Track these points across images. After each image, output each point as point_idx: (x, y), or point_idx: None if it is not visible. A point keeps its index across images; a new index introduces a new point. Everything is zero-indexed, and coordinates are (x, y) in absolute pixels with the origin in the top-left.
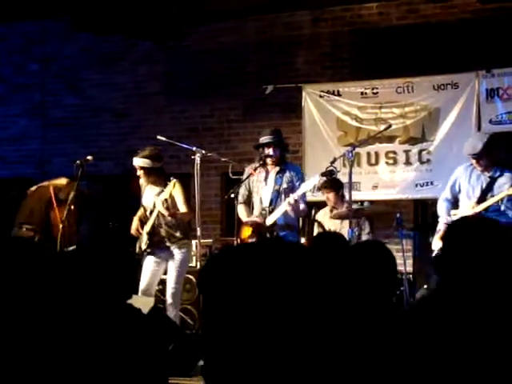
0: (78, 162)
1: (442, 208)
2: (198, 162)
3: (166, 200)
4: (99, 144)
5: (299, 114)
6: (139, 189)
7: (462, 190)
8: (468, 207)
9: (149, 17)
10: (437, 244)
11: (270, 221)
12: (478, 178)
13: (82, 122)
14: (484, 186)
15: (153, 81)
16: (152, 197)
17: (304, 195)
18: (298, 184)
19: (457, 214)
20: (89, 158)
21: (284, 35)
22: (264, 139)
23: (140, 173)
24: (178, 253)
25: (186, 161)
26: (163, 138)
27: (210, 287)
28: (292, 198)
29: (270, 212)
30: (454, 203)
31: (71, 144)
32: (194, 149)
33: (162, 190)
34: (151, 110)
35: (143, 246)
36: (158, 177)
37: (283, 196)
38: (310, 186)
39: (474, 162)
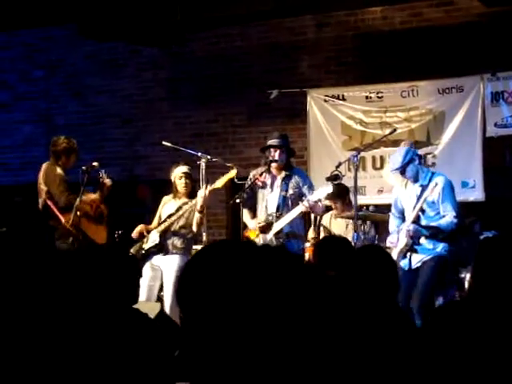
0: (83, 168)
1: (391, 224)
2: (204, 167)
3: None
4: (104, 150)
5: (304, 118)
6: (145, 196)
7: (404, 205)
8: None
9: (153, 23)
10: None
11: (277, 227)
12: (411, 189)
13: (87, 128)
14: (418, 194)
15: (157, 87)
16: (175, 206)
17: (320, 200)
18: (305, 188)
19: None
20: (94, 164)
21: (288, 40)
22: (271, 142)
23: (186, 181)
24: (176, 263)
25: (191, 166)
26: (168, 144)
27: (191, 286)
28: (301, 206)
29: (278, 218)
30: (403, 218)
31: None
32: (200, 154)
33: (187, 202)
34: (156, 116)
35: (147, 246)
36: (192, 191)
37: (290, 202)
38: (323, 195)
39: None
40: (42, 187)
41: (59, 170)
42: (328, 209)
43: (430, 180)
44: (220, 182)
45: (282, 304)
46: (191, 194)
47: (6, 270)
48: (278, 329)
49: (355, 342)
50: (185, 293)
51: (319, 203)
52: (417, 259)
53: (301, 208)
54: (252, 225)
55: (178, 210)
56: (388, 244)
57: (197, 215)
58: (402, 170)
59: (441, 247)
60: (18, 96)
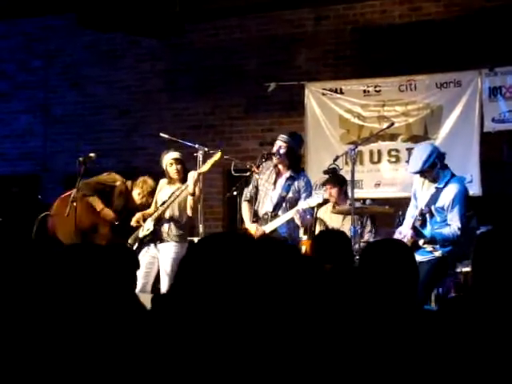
0: (80, 158)
1: (408, 212)
2: (201, 159)
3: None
4: (102, 141)
5: (301, 111)
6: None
7: (418, 198)
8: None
9: (152, 14)
10: None
11: (269, 228)
12: (428, 188)
13: (85, 119)
14: (432, 194)
15: (155, 78)
16: (169, 192)
17: (311, 208)
18: (303, 196)
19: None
20: (91, 155)
21: (286, 33)
22: (279, 136)
23: (177, 167)
24: (172, 251)
25: (189, 158)
26: (166, 136)
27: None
28: (294, 211)
29: (272, 218)
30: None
31: (74, 141)
32: (197, 146)
33: (180, 187)
34: (154, 107)
35: (142, 234)
36: (185, 175)
37: (287, 205)
38: (313, 204)
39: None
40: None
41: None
42: (324, 202)
43: (446, 184)
44: (206, 166)
45: (282, 295)
46: (185, 179)
47: (1, 260)
48: (280, 320)
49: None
50: (183, 285)
51: (308, 216)
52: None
53: (291, 214)
54: (249, 226)
55: (170, 196)
56: (396, 235)
57: (189, 199)
58: (422, 173)
59: (440, 252)
60: (16, 86)
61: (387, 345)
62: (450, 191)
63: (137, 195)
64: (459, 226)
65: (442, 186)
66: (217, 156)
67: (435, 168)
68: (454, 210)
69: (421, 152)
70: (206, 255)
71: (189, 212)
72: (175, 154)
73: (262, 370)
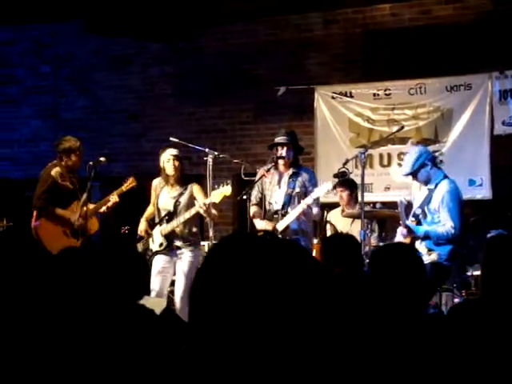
0: (90, 163)
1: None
2: (211, 163)
3: (208, 205)
4: (111, 145)
5: (311, 115)
6: (150, 190)
7: (414, 202)
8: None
9: (160, 19)
10: None
11: (281, 225)
12: (422, 190)
13: (94, 123)
14: (425, 197)
15: (164, 82)
16: (171, 199)
17: (318, 199)
18: (310, 189)
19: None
20: (101, 159)
21: (296, 37)
22: (278, 139)
23: (175, 164)
24: (188, 256)
25: (198, 162)
26: (175, 140)
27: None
28: (303, 204)
29: (283, 216)
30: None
31: (83, 146)
32: (207, 150)
33: (182, 193)
34: (162, 112)
35: (155, 247)
36: (181, 175)
37: (296, 200)
38: (322, 192)
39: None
40: None
41: (55, 172)
42: (334, 206)
43: (436, 185)
44: (217, 198)
45: (294, 298)
46: (182, 178)
47: (14, 264)
48: (295, 324)
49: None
50: (202, 288)
51: (315, 209)
52: None
53: (297, 212)
54: (259, 225)
55: (175, 207)
56: (398, 236)
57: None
58: (414, 175)
59: (436, 254)
60: (25, 91)
61: (394, 349)
62: (439, 191)
63: (66, 160)
64: (453, 224)
65: (433, 187)
66: (227, 191)
67: (425, 169)
68: (444, 210)
69: (410, 155)
70: (222, 261)
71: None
72: (174, 151)
73: (271, 371)
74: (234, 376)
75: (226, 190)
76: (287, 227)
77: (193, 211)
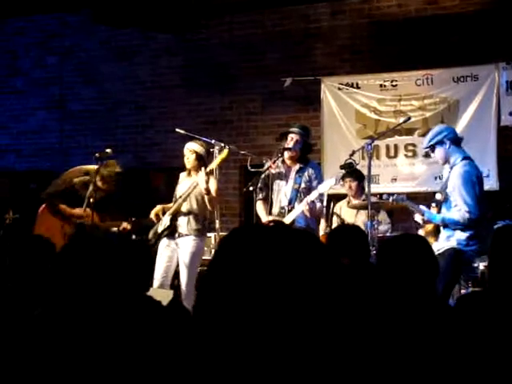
0: (97, 154)
1: None
2: (217, 154)
3: (208, 174)
4: (118, 137)
5: (318, 106)
6: (160, 182)
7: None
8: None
9: (167, 9)
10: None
11: (287, 220)
12: (445, 171)
13: (101, 114)
14: (446, 179)
15: (171, 73)
16: (185, 187)
17: (322, 195)
18: (315, 184)
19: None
20: (108, 150)
21: (302, 27)
22: (290, 129)
23: (192, 157)
24: (190, 245)
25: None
26: (182, 131)
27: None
28: (306, 201)
29: (289, 211)
30: None
31: (90, 137)
32: (213, 141)
33: (194, 182)
34: (170, 103)
35: (160, 229)
36: (201, 166)
37: (302, 195)
38: (326, 188)
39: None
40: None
41: (79, 180)
42: (341, 198)
43: (452, 167)
44: (214, 164)
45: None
46: (200, 169)
47: (19, 255)
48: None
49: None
50: (214, 280)
51: (318, 204)
52: (436, 247)
53: (302, 207)
54: (264, 219)
55: (186, 190)
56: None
57: (206, 196)
58: (431, 150)
59: (454, 239)
60: (32, 82)
61: (406, 340)
62: (453, 174)
63: (99, 182)
64: (467, 209)
65: (449, 168)
66: (224, 153)
67: (443, 146)
68: (457, 194)
69: (432, 130)
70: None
71: (208, 207)
72: (189, 145)
73: (277, 363)
74: (241, 368)
75: (223, 153)
76: (293, 223)
77: (192, 186)
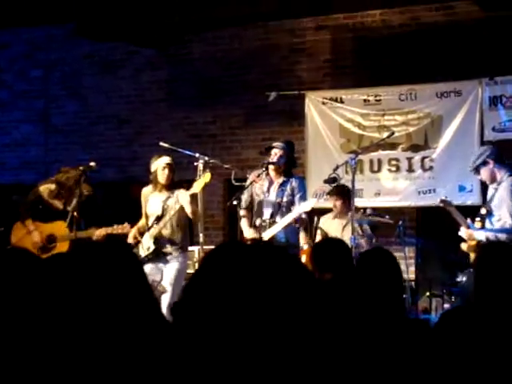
0: (80, 168)
1: None
2: (201, 168)
3: (192, 196)
4: (101, 151)
5: (302, 121)
6: (139, 198)
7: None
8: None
9: (151, 24)
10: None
11: (267, 235)
12: (490, 189)
13: (85, 128)
14: (491, 195)
15: (155, 88)
16: (160, 202)
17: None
18: (297, 197)
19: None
20: (92, 164)
21: (287, 42)
22: (274, 144)
23: (169, 173)
24: (175, 263)
25: (189, 167)
26: (166, 145)
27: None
28: (288, 217)
29: (270, 224)
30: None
31: (73, 150)
32: (197, 155)
33: (169, 196)
34: (153, 117)
35: (144, 253)
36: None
37: (284, 209)
38: (306, 209)
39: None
40: None
41: (43, 188)
42: (325, 211)
43: (499, 183)
44: (197, 188)
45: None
46: (171, 186)
47: (5, 269)
48: (281, 331)
49: (358, 346)
50: (195, 294)
51: (303, 215)
52: None
53: (288, 220)
54: (247, 234)
55: (163, 210)
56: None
57: (191, 216)
58: (476, 172)
59: None
60: (16, 95)
61: (378, 354)
62: (501, 189)
63: (84, 189)
64: (511, 223)
65: (497, 185)
66: (207, 177)
67: (487, 166)
68: (503, 207)
69: (474, 153)
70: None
71: (193, 221)
72: (168, 159)
73: (263, 374)
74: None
75: (205, 176)
76: (273, 237)
77: (173, 211)
